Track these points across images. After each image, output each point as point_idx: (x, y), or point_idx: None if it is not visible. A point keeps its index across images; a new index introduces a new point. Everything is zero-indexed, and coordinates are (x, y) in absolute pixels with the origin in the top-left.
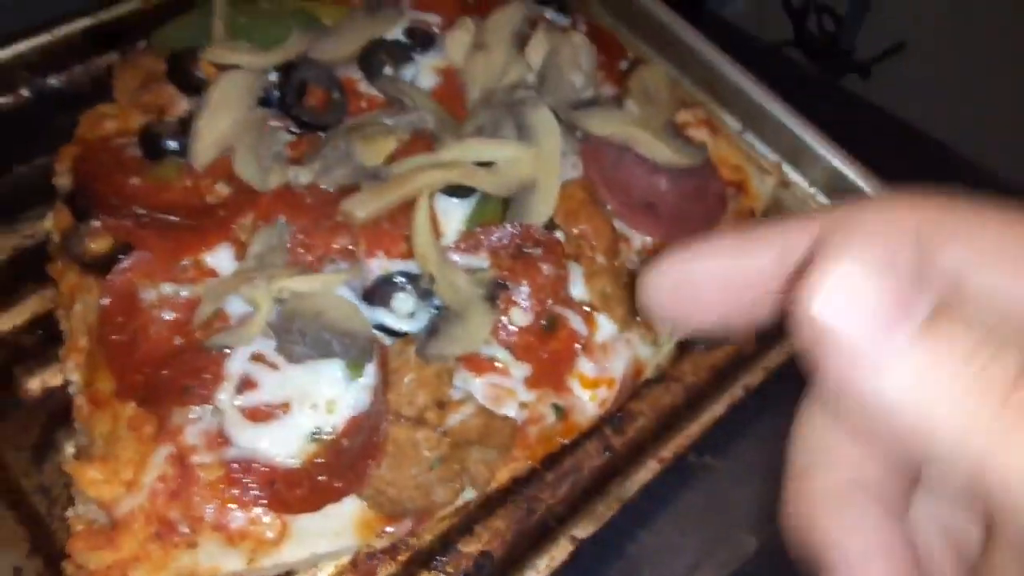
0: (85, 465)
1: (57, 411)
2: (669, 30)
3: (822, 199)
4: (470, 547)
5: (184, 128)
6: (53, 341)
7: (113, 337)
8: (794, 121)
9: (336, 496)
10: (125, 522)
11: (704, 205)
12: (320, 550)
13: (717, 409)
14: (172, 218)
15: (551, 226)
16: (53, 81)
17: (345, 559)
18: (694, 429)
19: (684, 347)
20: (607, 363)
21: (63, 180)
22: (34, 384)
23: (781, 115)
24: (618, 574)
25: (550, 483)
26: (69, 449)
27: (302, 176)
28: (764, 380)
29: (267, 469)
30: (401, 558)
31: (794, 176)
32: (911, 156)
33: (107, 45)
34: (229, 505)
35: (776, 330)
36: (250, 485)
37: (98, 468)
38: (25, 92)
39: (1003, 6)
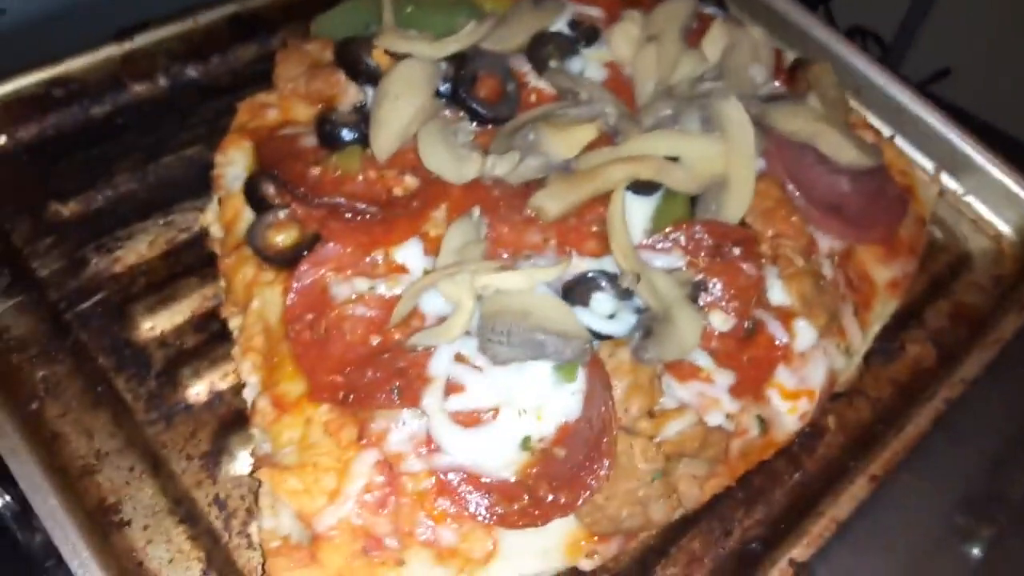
0: (282, 473)
1: (227, 416)
2: (816, 37)
3: (979, 207)
4: (668, 571)
5: (361, 117)
6: (217, 341)
7: (303, 335)
8: (950, 129)
9: (562, 511)
10: (328, 537)
11: (886, 208)
12: (527, 570)
13: (920, 424)
14: (365, 208)
15: (741, 225)
16: (191, 71)
17: None
18: (898, 444)
19: (864, 360)
20: (806, 372)
21: (227, 171)
22: (200, 387)
23: (936, 122)
24: None
25: (742, 502)
26: (244, 457)
27: (499, 167)
28: (964, 392)
29: (481, 479)
30: None
31: (947, 183)
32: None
33: (247, 36)
34: (441, 518)
35: (959, 344)
36: (465, 496)
37: (296, 476)
38: (163, 81)
39: None
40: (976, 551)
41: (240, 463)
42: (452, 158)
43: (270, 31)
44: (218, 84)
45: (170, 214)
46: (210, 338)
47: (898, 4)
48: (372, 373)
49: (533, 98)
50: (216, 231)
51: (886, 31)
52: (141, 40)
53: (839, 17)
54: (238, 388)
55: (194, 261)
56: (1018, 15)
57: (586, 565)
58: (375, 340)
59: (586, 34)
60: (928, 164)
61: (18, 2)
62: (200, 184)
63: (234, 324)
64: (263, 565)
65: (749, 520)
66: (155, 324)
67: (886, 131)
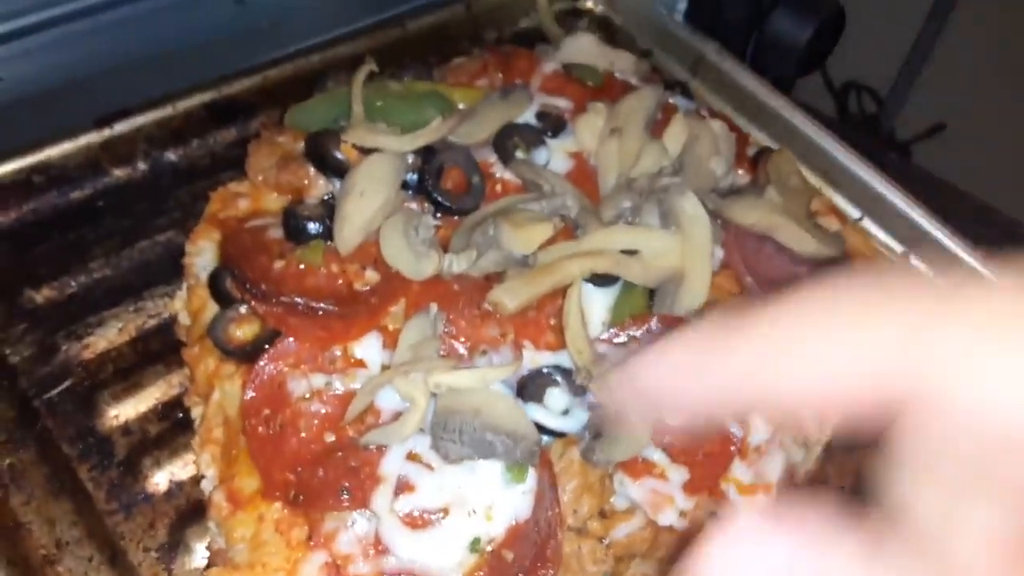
0: (231, 573)
1: (186, 507)
2: (784, 118)
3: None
4: None
5: (327, 211)
6: (180, 430)
7: (259, 430)
8: (918, 211)
9: None
10: None
11: None
12: None
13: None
14: (320, 304)
15: (699, 315)
16: (170, 155)
17: None
18: None
19: (826, 450)
20: (762, 467)
21: (195, 260)
22: (161, 477)
23: (903, 205)
24: None
25: None
26: (201, 550)
27: (456, 264)
28: None
29: None
30: None
31: (916, 264)
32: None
33: (226, 120)
34: None
35: None
36: None
37: None
38: (142, 165)
39: None
40: None
41: (196, 556)
42: (411, 255)
43: (248, 115)
44: (197, 167)
45: (141, 300)
46: (173, 426)
47: (894, 59)
48: (323, 473)
49: (499, 188)
50: (184, 319)
51: (882, 86)
52: (121, 127)
53: (834, 72)
54: (198, 479)
55: (162, 348)
56: (1015, 70)
57: None
58: (330, 437)
59: (552, 125)
60: (898, 246)
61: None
62: (172, 269)
63: (196, 413)
64: None
65: None
66: (120, 412)
67: (855, 212)
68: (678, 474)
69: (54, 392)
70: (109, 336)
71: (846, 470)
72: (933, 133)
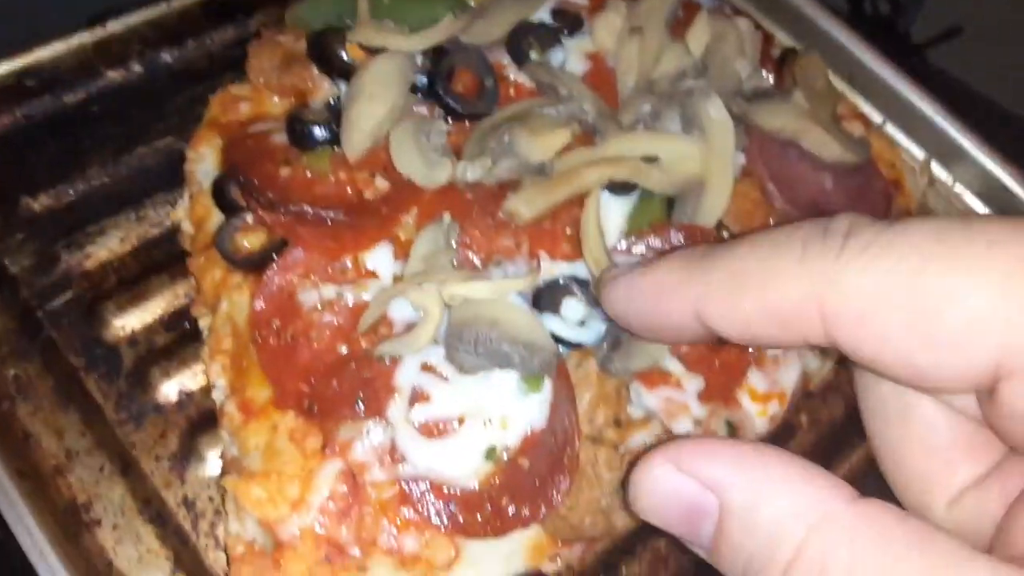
0: (247, 482)
1: (198, 417)
2: (809, 18)
3: (969, 199)
4: (633, 569)
5: (333, 115)
6: (188, 340)
7: (270, 341)
8: (942, 117)
9: (524, 523)
10: (291, 545)
11: (870, 205)
12: (490, 575)
13: None
14: (332, 215)
15: (718, 227)
16: (166, 56)
17: None
18: (865, 447)
19: (840, 356)
20: (778, 375)
21: (198, 166)
22: (170, 387)
23: (928, 110)
24: None
25: None
26: (213, 459)
27: (471, 172)
28: None
29: (444, 490)
30: None
31: (938, 172)
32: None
33: (222, 19)
34: (404, 527)
35: None
36: (428, 506)
37: (260, 485)
38: (137, 67)
39: None
40: None
41: (209, 464)
42: (423, 162)
43: (246, 13)
44: (194, 69)
45: (142, 208)
46: (181, 337)
47: None
48: (337, 384)
49: (513, 92)
50: (187, 228)
51: None
52: (114, 26)
53: None
54: (207, 389)
55: (165, 258)
56: None
57: (549, 568)
58: (342, 348)
59: (569, 23)
60: (920, 152)
61: None
62: (173, 177)
63: (204, 324)
64: (227, 570)
65: None
66: (126, 323)
67: (877, 117)
68: (693, 383)
69: (56, 302)
70: (111, 245)
71: None
72: (949, 36)
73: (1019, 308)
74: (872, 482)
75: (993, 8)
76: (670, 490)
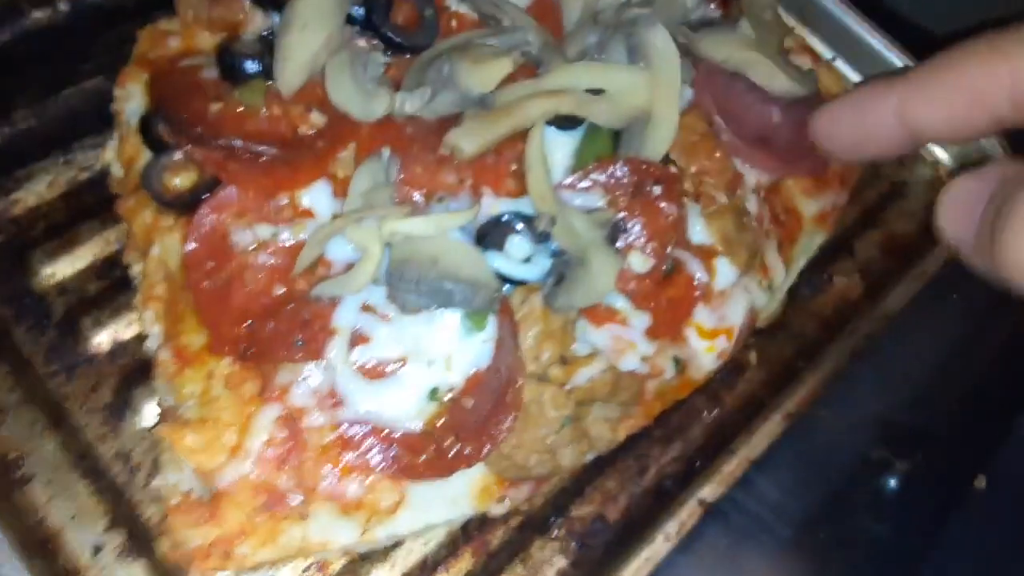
0: (180, 429)
1: (131, 367)
2: None
3: None
4: (583, 510)
5: (266, 47)
6: (120, 288)
7: (203, 284)
8: (894, 52)
9: (467, 462)
10: (229, 493)
11: None
12: (436, 519)
13: (839, 360)
14: (265, 149)
15: (665, 160)
16: None
17: (457, 526)
18: (815, 380)
19: (790, 293)
20: (725, 311)
21: (125, 105)
22: (103, 337)
23: (878, 45)
24: (739, 533)
25: (659, 440)
26: (148, 410)
27: (409, 103)
28: (886, 327)
29: (386, 432)
30: (513, 524)
31: None
32: None
33: None
34: (345, 472)
35: (887, 275)
36: (369, 449)
37: (195, 432)
38: (63, 6)
39: None
40: (892, 484)
41: (144, 416)
42: (360, 94)
43: None
44: (123, 7)
45: (71, 152)
46: (113, 285)
47: None
48: (274, 325)
49: (454, 24)
50: (117, 170)
51: None
52: None
53: None
54: (141, 338)
55: (96, 203)
56: None
57: (497, 510)
58: (279, 290)
59: None
60: None
61: None
62: (102, 119)
63: (136, 271)
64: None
65: (665, 458)
66: (55, 270)
67: (828, 53)
68: (640, 320)
69: None
70: (39, 190)
71: (810, 314)
72: None
73: None
74: (820, 417)
75: None
76: (964, 184)
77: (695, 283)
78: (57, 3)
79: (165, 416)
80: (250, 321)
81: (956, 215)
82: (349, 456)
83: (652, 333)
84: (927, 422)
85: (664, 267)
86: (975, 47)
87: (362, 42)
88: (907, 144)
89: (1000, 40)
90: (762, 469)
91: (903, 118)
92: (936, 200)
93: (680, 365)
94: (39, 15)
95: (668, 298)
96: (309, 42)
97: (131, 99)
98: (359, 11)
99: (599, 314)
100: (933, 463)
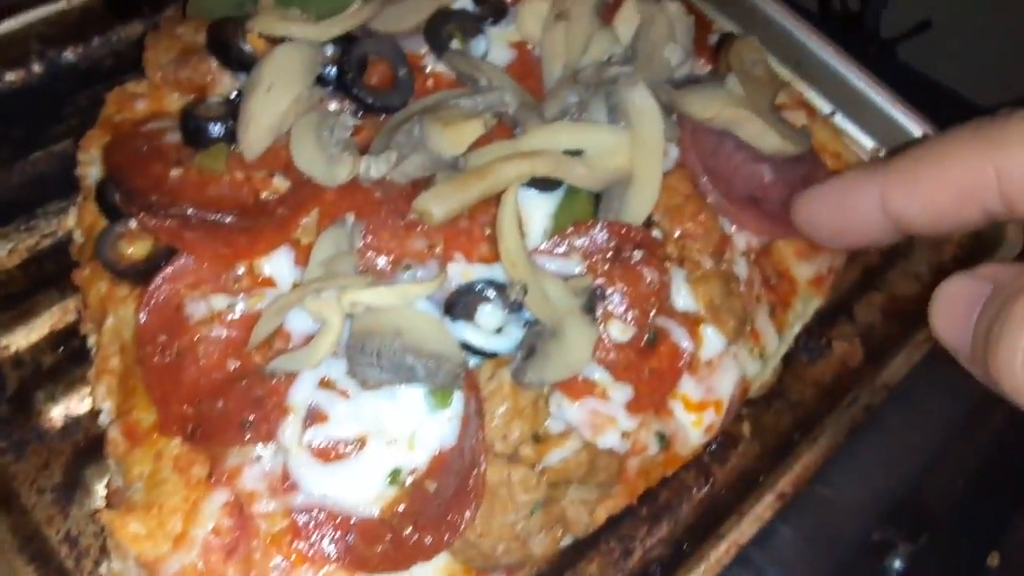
0: (124, 515)
1: (84, 445)
2: (752, 3)
3: None
4: None
5: (231, 110)
6: (77, 360)
7: (154, 359)
8: (896, 107)
9: (426, 554)
10: None
11: None
12: None
13: (838, 433)
14: (222, 217)
15: (648, 223)
16: (69, 55)
17: None
18: (811, 456)
19: (786, 360)
20: (713, 382)
21: (89, 170)
22: (56, 412)
23: (880, 100)
24: None
25: (645, 519)
26: (100, 490)
27: (375, 168)
28: (884, 400)
29: (341, 519)
30: None
31: None
32: None
33: (128, 13)
34: (297, 562)
35: (889, 340)
36: (322, 538)
37: (139, 519)
38: (37, 68)
39: None
40: (898, 564)
41: (96, 497)
42: (324, 158)
43: (154, 7)
44: (99, 69)
45: (34, 218)
46: (69, 357)
47: None
48: (223, 404)
49: (431, 84)
50: (78, 237)
51: None
52: (9, 25)
53: None
54: (96, 414)
55: (56, 270)
56: None
57: None
58: (233, 364)
59: (492, 10)
60: (870, 142)
61: None
62: (69, 183)
63: (92, 342)
64: None
65: (652, 539)
66: (10, 342)
67: (826, 107)
68: (621, 392)
69: None
70: None
71: (807, 382)
72: (919, 31)
73: None
74: (817, 494)
75: (962, 3)
76: (958, 286)
77: (680, 353)
78: (31, 64)
79: (113, 499)
80: (199, 399)
81: (950, 319)
82: (301, 545)
83: (634, 407)
84: (933, 499)
85: (646, 336)
86: (961, 139)
87: (334, 103)
88: (892, 235)
89: (986, 131)
90: (762, 547)
91: (887, 210)
92: (930, 301)
93: (665, 441)
94: (12, 77)
95: (651, 369)
96: (274, 104)
97: (94, 163)
98: (330, 71)
99: (576, 387)
100: (941, 542)
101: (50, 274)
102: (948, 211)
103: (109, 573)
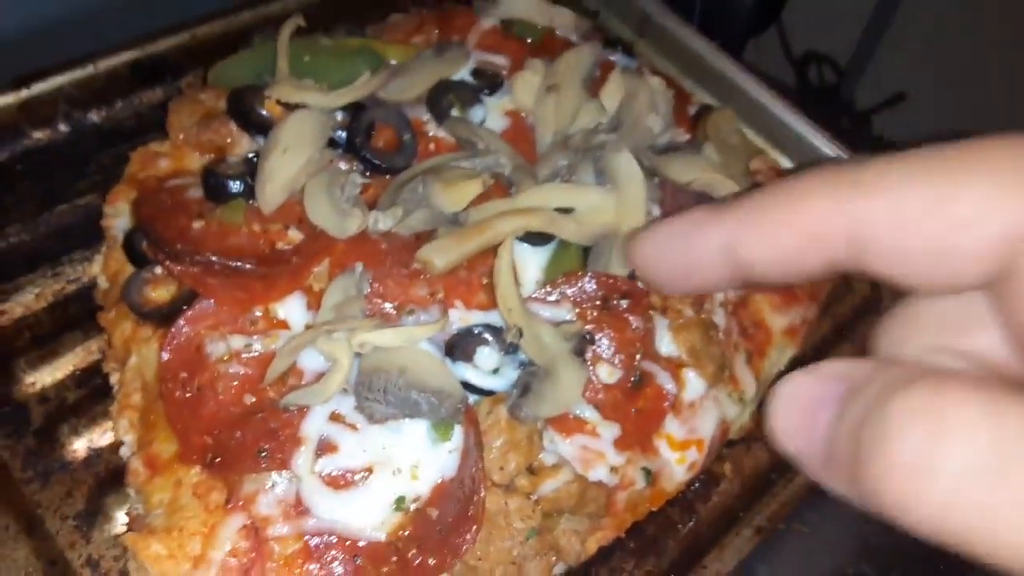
0: (146, 538)
1: (105, 475)
2: (729, 78)
3: None
4: None
5: (249, 169)
6: (99, 397)
7: (176, 394)
8: None
9: (431, 574)
10: None
11: None
12: None
13: None
14: (240, 265)
15: (633, 275)
16: (93, 116)
17: None
18: (787, 494)
19: (764, 405)
20: (695, 423)
21: (114, 222)
22: (79, 445)
23: None
24: None
25: (633, 552)
26: (120, 517)
27: (382, 222)
28: None
29: (350, 542)
30: None
31: None
32: None
33: (151, 80)
34: None
35: None
36: (333, 560)
37: (161, 541)
38: (63, 127)
39: (1006, 58)
40: None
41: (116, 523)
42: (335, 213)
43: (175, 75)
44: (121, 129)
45: (60, 265)
46: (91, 393)
47: (853, 28)
48: (240, 435)
49: (432, 147)
50: (102, 283)
51: (842, 55)
52: (39, 87)
53: (794, 42)
54: (116, 446)
55: (80, 313)
56: (976, 38)
57: None
58: (250, 399)
59: (489, 83)
60: None
61: None
62: (93, 234)
63: (114, 380)
64: None
65: (640, 571)
66: (36, 379)
67: None
68: (609, 431)
69: None
70: (26, 302)
71: None
72: (893, 103)
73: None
74: (793, 531)
75: (936, 76)
76: (800, 386)
77: (664, 394)
78: (57, 124)
79: (134, 524)
80: (217, 431)
81: (795, 423)
82: (312, 567)
83: (621, 444)
84: (906, 537)
85: (632, 378)
86: (813, 182)
87: (343, 163)
88: (737, 279)
89: (840, 176)
90: None
91: (731, 253)
92: (766, 403)
93: (651, 476)
94: (39, 135)
95: (637, 409)
96: (290, 165)
97: (120, 216)
98: (341, 135)
99: (568, 424)
100: None
101: (75, 316)
102: (794, 257)
103: None
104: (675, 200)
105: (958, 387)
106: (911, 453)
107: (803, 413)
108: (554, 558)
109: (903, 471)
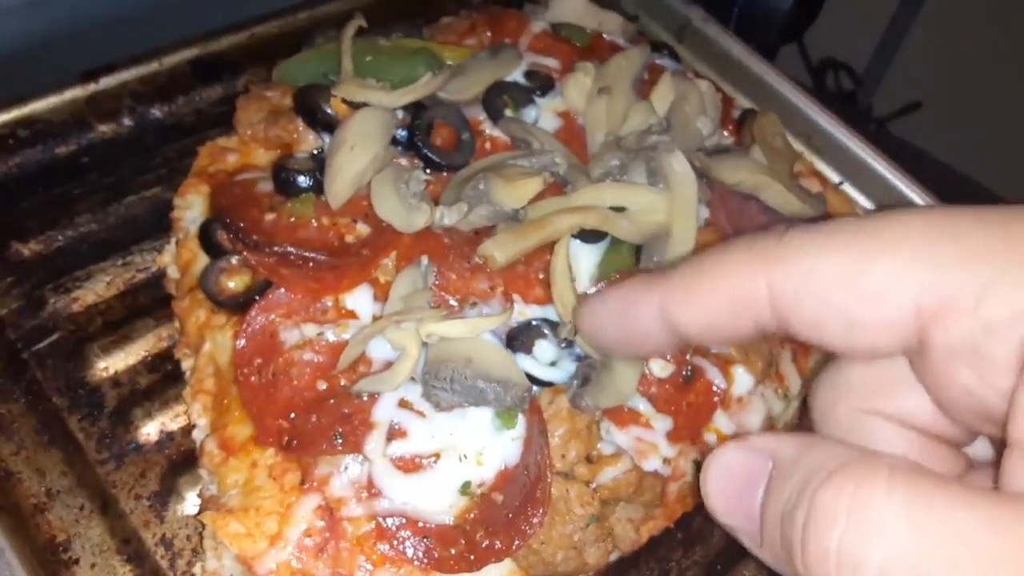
0: (225, 516)
1: (177, 457)
2: (769, 84)
3: None
4: None
5: (318, 164)
6: (170, 381)
7: (251, 379)
8: (900, 179)
9: (497, 556)
10: None
11: None
12: None
13: None
14: (314, 256)
15: None
16: (156, 111)
17: None
18: None
19: (806, 403)
20: (743, 418)
21: (185, 213)
22: (152, 428)
23: (882, 170)
24: None
25: (681, 542)
26: (192, 498)
27: (447, 217)
28: None
29: (420, 524)
30: None
31: None
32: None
33: (211, 77)
34: (379, 562)
35: None
36: (404, 541)
37: (239, 520)
38: (127, 121)
39: (1021, 69)
40: None
41: (188, 504)
42: (402, 208)
43: (234, 73)
44: (182, 124)
45: (129, 255)
46: (163, 379)
47: (871, 36)
48: (316, 419)
49: (488, 146)
50: (173, 272)
51: (859, 63)
52: (106, 82)
53: (812, 50)
54: (188, 429)
55: (150, 302)
56: (991, 48)
57: None
58: (322, 385)
59: (541, 83)
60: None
61: None
62: (159, 225)
63: (187, 365)
64: None
65: (687, 561)
66: (109, 364)
67: (835, 177)
68: (662, 423)
69: (42, 344)
70: (97, 290)
71: None
72: (909, 111)
73: (932, 264)
74: None
75: (951, 85)
76: (732, 460)
77: (714, 389)
78: (121, 118)
79: (208, 504)
80: (293, 414)
81: (728, 497)
82: (384, 547)
83: (673, 436)
84: None
85: (684, 373)
86: (736, 251)
87: (404, 161)
88: (675, 344)
89: (760, 246)
90: None
91: (666, 320)
92: (701, 473)
93: (700, 468)
94: (104, 128)
95: (688, 403)
96: (357, 161)
97: (190, 208)
98: (402, 134)
99: (623, 416)
100: None
101: (145, 304)
102: (722, 322)
103: (203, 572)
104: (723, 201)
105: (881, 479)
106: (839, 545)
107: (736, 488)
108: (611, 544)
109: (833, 561)
